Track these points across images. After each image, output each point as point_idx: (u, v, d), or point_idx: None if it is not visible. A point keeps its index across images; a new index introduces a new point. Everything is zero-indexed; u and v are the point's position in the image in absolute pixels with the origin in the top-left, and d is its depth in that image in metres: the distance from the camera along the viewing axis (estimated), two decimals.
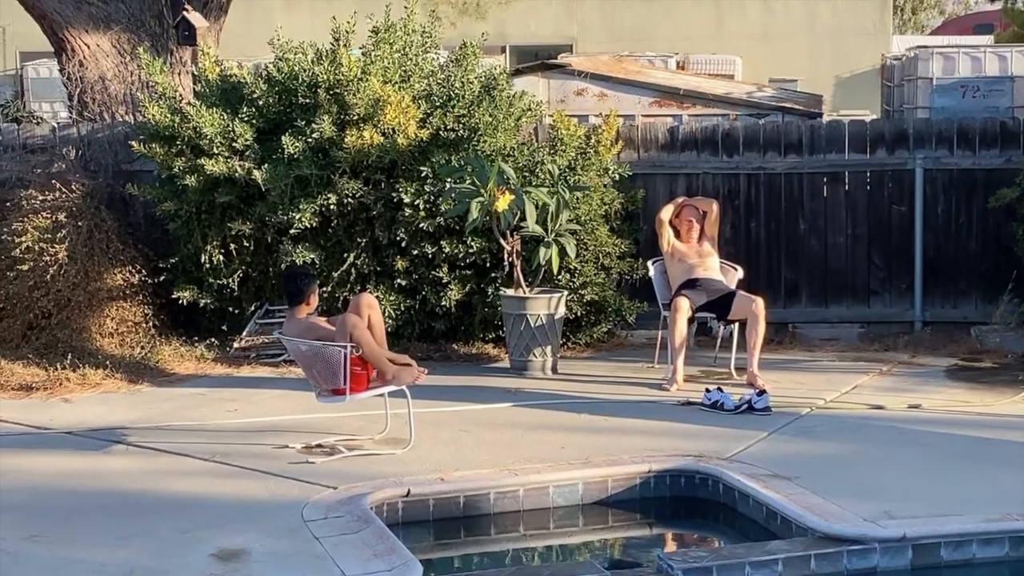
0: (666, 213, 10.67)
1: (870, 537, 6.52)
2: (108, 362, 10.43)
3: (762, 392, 9.21)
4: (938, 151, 11.76)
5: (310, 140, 10.81)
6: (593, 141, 11.25)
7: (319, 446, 8.23)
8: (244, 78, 11.26)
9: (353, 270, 11.03)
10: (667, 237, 10.58)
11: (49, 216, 11.06)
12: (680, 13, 28.14)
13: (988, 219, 11.70)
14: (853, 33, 27.81)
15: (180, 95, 11.72)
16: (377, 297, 10.18)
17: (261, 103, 11.09)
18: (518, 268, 10.36)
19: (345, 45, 11.05)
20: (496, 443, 8.35)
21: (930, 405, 9.23)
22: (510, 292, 10.44)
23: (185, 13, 12.75)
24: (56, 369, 10.24)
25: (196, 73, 12.08)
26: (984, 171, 11.72)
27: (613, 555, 7.30)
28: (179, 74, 12.97)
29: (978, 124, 11.90)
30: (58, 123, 13.20)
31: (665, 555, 6.48)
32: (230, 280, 11.24)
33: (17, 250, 10.94)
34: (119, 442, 8.49)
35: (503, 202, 9.92)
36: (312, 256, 10.91)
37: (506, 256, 10.38)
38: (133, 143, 11.30)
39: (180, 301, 11.28)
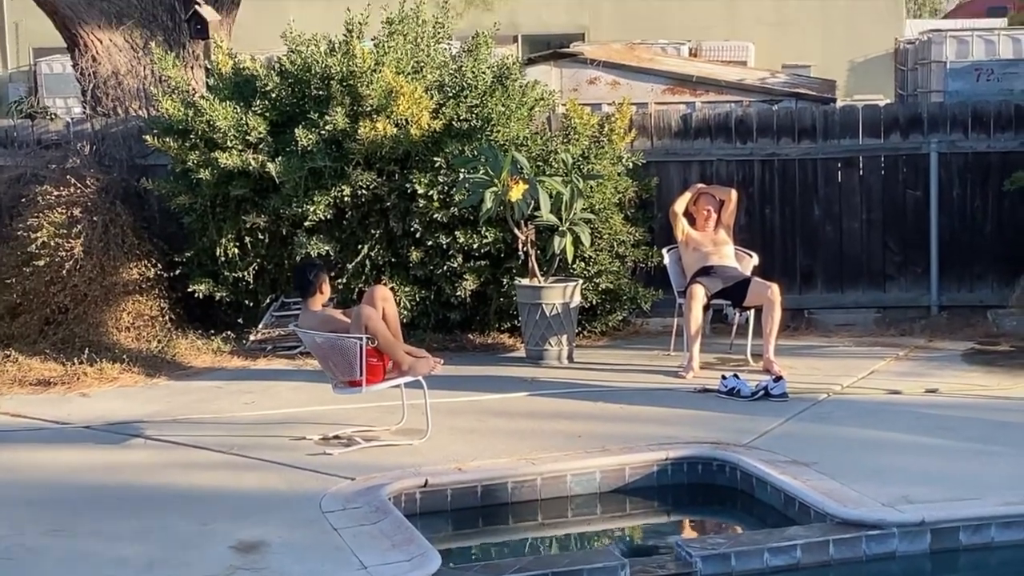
0: (680, 205, 10.65)
1: (889, 522, 6.52)
2: (125, 356, 10.45)
3: (779, 378, 9.20)
4: (952, 135, 11.72)
5: (323, 132, 10.82)
6: (606, 129, 11.24)
7: (336, 437, 8.24)
8: (257, 71, 11.27)
9: (368, 261, 11.04)
10: (681, 227, 10.56)
11: (64, 211, 11.09)
12: (692, 0, 28.08)
13: (1004, 202, 11.66)
14: (866, 18, 27.70)
15: (193, 89, 11.74)
16: (392, 288, 10.19)
17: (274, 96, 11.10)
18: (533, 257, 10.36)
19: (358, 37, 11.05)
20: (513, 432, 8.36)
21: (947, 389, 9.21)
22: (525, 282, 10.45)
23: (197, 7, 12.74)
24: (73, 364, 10.26)
25: (209, 67, 12.08)
26: (999, 154, 11.68)
27: (631, 543, 7.31)
28: (192, 68, 12.97)
29: (992, 107, 11.85)
30: (72, 119, 13.23)
31: (683, 542, 6.49)
32: (245, 273, 11.25)
33: (33, 246, 10.96)
34: (137, 436, 8.52)
35: (517, 191, 9.92)
36: (327, 248, 10.91)
37: (520, 246, 10.38)
38: (147, 137, 11.32)
39: (196, 294, 11.30)
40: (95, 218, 11.14)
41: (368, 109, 10.81)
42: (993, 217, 11.74)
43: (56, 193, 11.18)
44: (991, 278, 11.77)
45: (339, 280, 10.84)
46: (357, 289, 10.85)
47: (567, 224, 10.28)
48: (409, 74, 11.03)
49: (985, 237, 11.76)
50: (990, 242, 11.75)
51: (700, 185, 11.02)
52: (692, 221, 10.63)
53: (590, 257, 10.88)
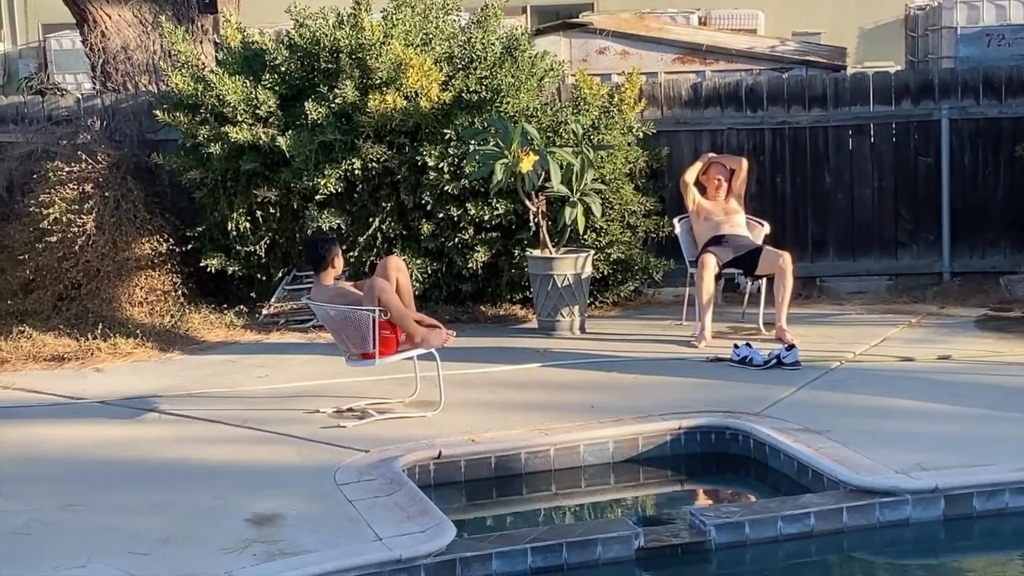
0: (690, 175, 10.63)
1: (902, 489, 6.53)
2: (138, 331, 10.48)
3: (791, 347, 9.20)
4: (964, 101, 11.69)
5: (333, 106, 10.81)
6: (616, 100, 11.21)
7: (350, 410, 8.26)
8: (266, 45, 11.25)
9: (379, 234, 11.05)
10: (692, 196, 10.55)
11: (76, 187, 11.10)
12: None
13: (1016, 168, 11.63)
14: None
15: (203, 63, 11.73)
16: (404, 260, 10.19)
17: (283, 69, 11.09)
18: (544, 228, 10.36)
19: (366, 9, 11.03)
20: (526, 403, 8.38)
21: (960, 356, 9.21)
22: (536, 253, 10.45)
23: None
24: (87, 339, 10.30)
25: (218, 41, 12.07)
26: (1011, 120, 11.65)
27: (645, 512, 7.33)
28: (201, 42, 12.96)
29: (1004, 72, 11.82)
30: (82, 94, 13.22)
31: (697, 511, 6.51)
32: (257, 247, 11.26)
33: (45, 222, 10.99)
34: (151, 410, 8.55)
35: (527, 163, 9.91)
36: (338, 221, 10.92)
37: (531, 217, 10.38)
38: (157, 112, 11.32)
39: (208, 269, 11.32)
40: (107, 194, 11.15)
41: (378, 82, 10.80)
42: (1005, 183, 11.72)
43: (67, 169, 11.19)
44: (1003, 244, 11.75)
45: (351, 253, 10.85)
46: (369, 262, 10.86)
47: (578, 195, 10.27)
48: (418, 46, 11.02)
49: (997, 203, 11.74)
50: (1002, 208, 11.73)
51: (711, 154, 11.00)
52: (703, 191, 10.62)
53: (601, 228, 10.87)
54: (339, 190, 10.91)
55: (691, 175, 10.62)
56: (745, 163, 10.71)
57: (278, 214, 11.26)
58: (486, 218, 10.78)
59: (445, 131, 10.79)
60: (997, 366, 8.93)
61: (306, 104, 10.80)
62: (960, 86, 11.72)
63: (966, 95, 11.69)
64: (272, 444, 7.72)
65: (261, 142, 10.91)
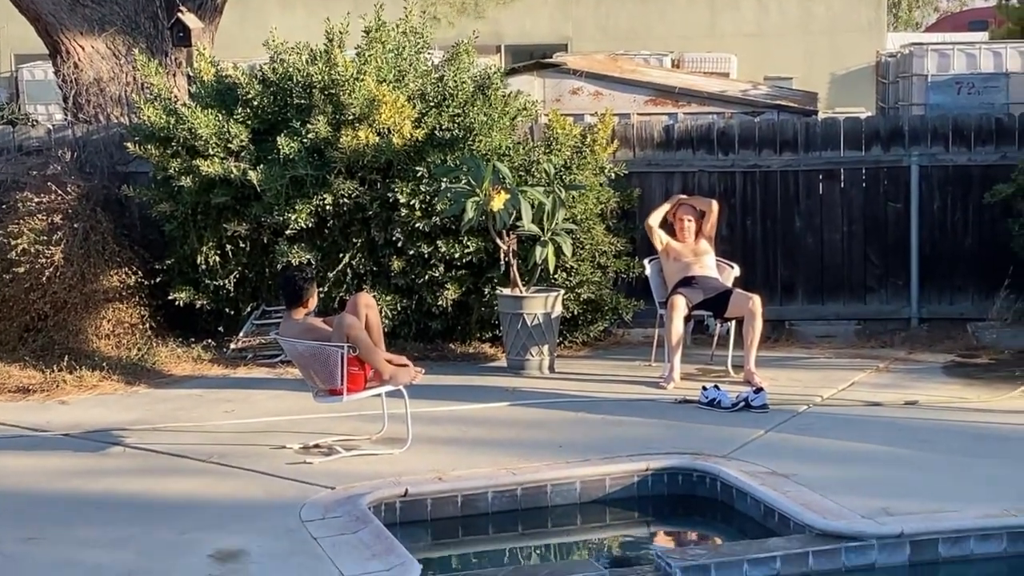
0: (653, 218, 10.61)
1: (868, 534, 6.52)
2: (105, 364, 10.42)
3: (759, 390, 9.21)
4: (933, 148, 11.76)
5: (305, 140, 10.81)
6: (589, 140, 11.25)
7: (316, 446, 8.22)
8: (239, 79, 11.25)
9: (349, 270, 11.03)
10: (658, 238, 10.55)
11: (45, 218, 11.05)
12: (675, 12, 28.17)
13: (984, 215, 11.70)
14: (848, 30, 27.84)
15: (175, 96, 11.71)
16: (373, 297, 10.17)
17: (256, 104, 11.08)
18: (514, 267, 10.36)
19: (339, 46, 11.04)
20: (493, 442, 8.35)
21: (927, 401, 9.23)
22: (507, 291, 10.44)
23: (180, 14, 12.74)
24: (53, 371, 10.23)
25: (191, 74, 12.07)
26: (980, 167, 11.73)
27: (611, 553, 7.30)
28: (174, 75, 12.96)
29: (973, 120, 11.90)
30: (53, 125, 13.19)
31: (664, 553, 6.49)
32: (226, 281, 11.22)
33: (13, 252, 10.92)
34: (116, 443, 8.49)
35: (498, 201, 9.92)
36: (308, 256, 10.89)
37: (502, 255, 10.38)
38: (128, 144, 11.29)
39: (176, 302, 11.27)
40: (76, 225, 11.10)
41: (350, 118, 10.81)
42: (974, 230, 11.78)
43: (37, 200, 11.14)
44: (971, 291, 11.80)
45: (320, 289, 10.81)
46: (338, 298, 10.84)
47: (549, 234, 10.28)
48: (391, 83, 11.03)
49: (965, 250, 11.80)
50: (970, 255, 11.79)
51: (682, 196, 11.03)
52: (672, 232, 10.63)
53: (572, 267, 10.88)
54: (310, 225, 10.90)
55: (654, 219, 10.61)
56: (715, 205, 10.73)
57: (248, 248, 11.23)
58: (457, 256, 10.78)
59: (417, 168, 10.80)
60: (963, 412, 8.96)
61: (278, 139, 10.79)
62: (930, 133, 11.80)
63: (936, 142, 11.77)
64: (237, 479, 7.67)
65: (232, 176, 10.89)
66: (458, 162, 10.47)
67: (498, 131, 11.02)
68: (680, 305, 10.01)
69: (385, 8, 11.27)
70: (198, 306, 11.31)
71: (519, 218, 10.11)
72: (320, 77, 10.86)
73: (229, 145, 10.96)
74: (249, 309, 11.33)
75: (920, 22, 48.69)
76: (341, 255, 11.01)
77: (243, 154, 10.98)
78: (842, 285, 11.89)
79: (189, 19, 12.72)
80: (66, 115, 13.25)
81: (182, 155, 11.06)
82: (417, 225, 10.77)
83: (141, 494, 7.43)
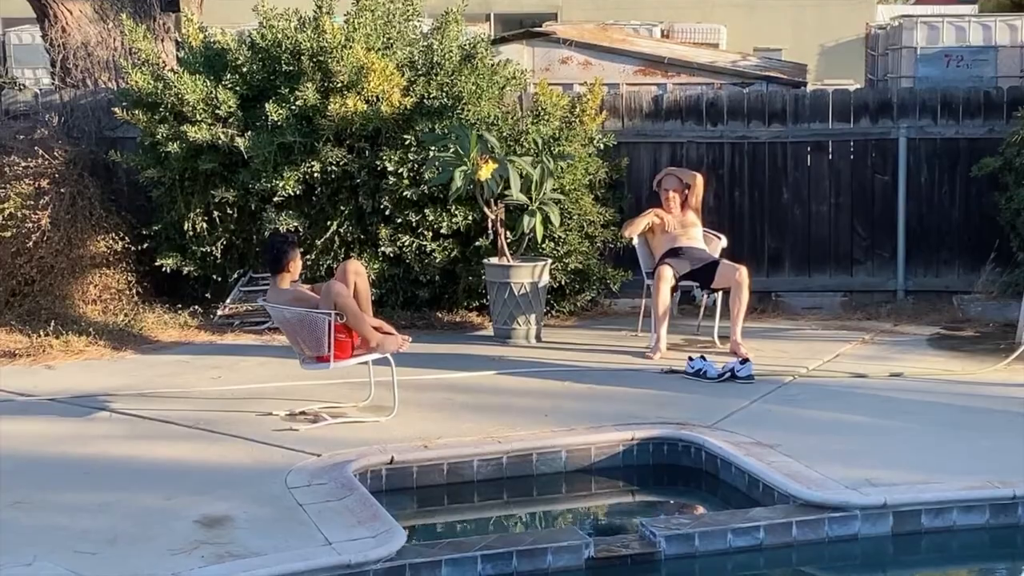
0: (633, 232, 10.48)
1: (851, 504, 6.56)
2: (91, 329, 10.41)
3: (745, 360, 9.24)
4: (922, 120, 11.77)
5: (294, 107, 10.78)
6: (578, 110, 11.23)
7: (303, 413, 8.23)
8: (228, 45, 11.20)
9: (337, 238, 11.02)
10: (646, 226, 10.45)
11: (32, 182, 11.03)
12: None
13: (971, 188, 11.72)
14: (837, 2, 27.76)
15: (163, 62, 11.68)
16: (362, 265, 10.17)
17: (244, 70, 11.05)
18: (502, 236, 10.36)
19: (328, 12, 11.00)
20: (479, 411, 8.37)
21: (912, 373, 9.27)
22: (494, 260, 10.44)
23: None
24: (39, 336, 10.22)
25: (179, 40, 12.02)
26: (967, 140, 11.74)
27: (596, 522, 7.34)
28: (162, 40, 12.90)
29: (962, 94, 11.91)
30: (41, 89, 13.13)
31: (647, 522, 6.51)
32: (213, 248, 11.21)
33: None
34: (102, 409, 8.49)
35: (486, 171, 9.91)
36: (295, 224, 10.89)
37: (490, 224, 10.37)
38: (116, 110, 11.26)
39: (163, 268, 11.26)
40: (63, 190, 11.08)
41: (339, 85, 10.78)
42: (960, 203, 11.80)
43: (23, 164, 11.11)
44: (957, 264, 11.83)
45: (308, 256, 10.82)
46: (326, 265, 10.83)
47: (537, 204, 10.28)
48: (380, 50, 11.00)
49: (952, 223, 11.83)
50: (957, 228, 11.81)
51: (669, 168, 11.03)
52: (658, 205, 10.62)
53: (559, 237, 10.88)
54: (297, 192, 10.89)
55: (633, 232, 10.49)
56: (700, 179, 10.69)
57: (235, 215, 11.22)
58: (444, 224, 10.77)
59: (405, 136, 10.78)
60: (948, 384, 9.00)
61: (267, 105, 10.77)
62: (918, 106, 11.80)
63: (924, 115, 11.78)
64: (223, 445, 7.68)
65: (220, 142, 10.87)
66: (446, 131, 10.46)
67: (487, 100, 11.00)
68: (667, 275, 10.02)
69: None
70: (185, 272, 11.30)
71: (507, 187, 10.10)
72: (309, 44, 10.82)
73: (217, 111, 10.92)
74: (236, 276, 11.33)
75: None
76: (329, 223, 11.00)
77: (231, 120, 10.96)
78: (829, 257, 11.91)
79: None
80: (54, 79, 13.20)
81: (170, 121, 11.02)
82: (405, 193, 10.77)
83: (127, 459, 7.44)
